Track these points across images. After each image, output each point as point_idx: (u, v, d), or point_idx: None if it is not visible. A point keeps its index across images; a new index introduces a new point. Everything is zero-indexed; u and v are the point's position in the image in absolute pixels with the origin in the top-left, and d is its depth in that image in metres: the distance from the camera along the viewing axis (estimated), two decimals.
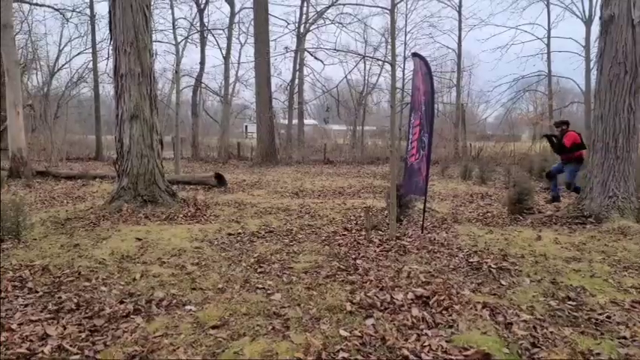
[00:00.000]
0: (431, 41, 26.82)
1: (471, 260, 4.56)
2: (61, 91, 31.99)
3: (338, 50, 23.22)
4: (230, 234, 5.86)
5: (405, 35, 16.68)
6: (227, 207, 7.80)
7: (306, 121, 30.70)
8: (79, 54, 28.54)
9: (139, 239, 5.35)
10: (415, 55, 5.15)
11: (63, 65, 33.32)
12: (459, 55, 24.06)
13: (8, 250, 4.97)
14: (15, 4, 25.42)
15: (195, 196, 8.17)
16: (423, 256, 4.78)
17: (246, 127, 49.44)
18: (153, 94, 7.23)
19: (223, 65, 22.09)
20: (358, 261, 4.61)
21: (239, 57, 30.19)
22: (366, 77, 29.57)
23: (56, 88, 31.53)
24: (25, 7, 27.37)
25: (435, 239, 5.48)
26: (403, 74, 16.63)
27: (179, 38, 12.10)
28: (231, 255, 4.89)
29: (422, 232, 5.64)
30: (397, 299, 3.45)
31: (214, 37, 21.80)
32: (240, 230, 6.07)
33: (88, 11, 25.31)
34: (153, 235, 5.57)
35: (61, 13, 27.98)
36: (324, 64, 29.02)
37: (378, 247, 5.15)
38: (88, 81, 27.86)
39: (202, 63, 22.32)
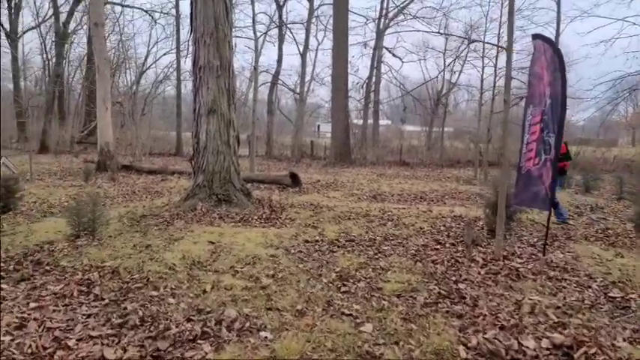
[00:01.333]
0: (523, 35, 24.62)
1: (612, 295, 3.59)
2: (148, 90, 33.93)
3: (444, 34, 21.62)
4: (307, 241, 5.30)
5: (499, 28, 15.25)
6: (303, 209, 7.28)
7: (379, 121, 29.81)
8: (165, 54, 29.99)
9: (212, 242, 4.96)
10: (537, 36, 4.23)
11: (150, 65, 35.23)
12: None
13: (82, 247, 4.79)
14: (108, 6, 27.21)
15: (270, 197, 7.76)
16: (544, 284, 3.88)
17: (318, 126, 49.43)
18: (231, 88, 6.89)
19: (300, 63, 21.80)
20: (461, 285, 3.82)
21: (315, 55, 30.03)
22: (445, 76, 28.02)
23: (143, 87, 33.43)
24: (117, 8, 29.19)
25: (552, 262, 4.52)
26: (495, 70, 15.24)
27: (258, 34, 11.87)
28: (310, 267, 4.31)
29: (544, 255, 4.69)
30: (528, 347, 2.65)
31: (292, 33, 21.60)
32: (317, 237, 5.50)
33: (174, 12, 26.32)
34: (226, 239, 5.16)
35: (149, 15, 29.51)
36: (403, 62, 27.98)
37: (481, 267, 4.31)
38: (172, 79, 29.06)
39: (279, 60, 22.27)
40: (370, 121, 26.78)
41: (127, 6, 30.66)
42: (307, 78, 26.96)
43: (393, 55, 27.32)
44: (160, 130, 30.18)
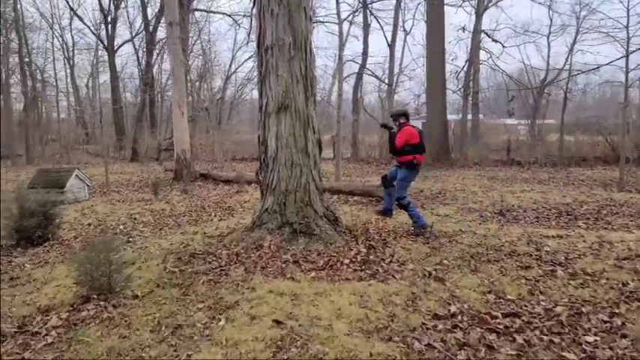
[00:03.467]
0: None
1: None
2: (233, 95, 33.79)
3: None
4: (437, 315, 3.15)
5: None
6: (412, 242, 5.11)
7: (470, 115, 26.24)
8: (249, 58, 29.30)
9: (279, 322, 3.00)
10: None
11: (235, 69, 35.15)
12: None
13: (80, 324, 3.09)
14: (191, 14, 27.10)
15: (365, 225, 5.65)
16: None
17: None
18: (309, 75, 4.94)
19: (387, 55, 19.52)
20: None
21: (403, 46, 27.54)
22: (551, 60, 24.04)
23: (230, 92, 33.35)
24: (199, 13, 29.07)
25: None
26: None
27: (342, 16, 9.91)
28: None
29: None
30: None
31: (378, 21, 19.38)
32: (450, 305, 3.32)
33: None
34: (302, 310, 3.19)
35: (232, 19, 29.08)
36: (504, 46, 24.49)
37: None
38: (255, 82, 28.32)
39: (365, 53, 20.17)
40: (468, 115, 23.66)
41: (210, 11, 30.62)
42: (395, 71, 24.58)
43: (493, 39, 23.96)
44: (246, 135, 29.61)
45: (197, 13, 29.00)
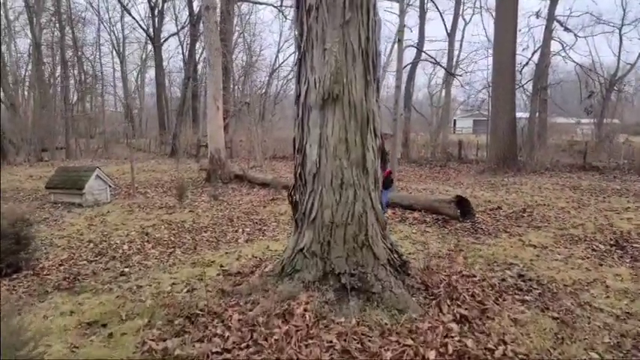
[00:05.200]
0: None
1: None
2: (277, 89, 32.55)
3: None
4: None
5: None
6: (522, 304, 3.34)
7: (521, 114, 23.28)
8: (295, 52, 27.90)
9: None
10: None
11: (281, 64, 33.90)
12: None
13: None
14: (235, 5, 25.98)
15: (445, 271, 3.87)
16: None
17: (454, 121, 43.82)
18: (372, 50, 3.28)
19: (446, 43, 17.42)
20: None
21: (462, 36, 25.22)
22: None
23: (276, 87, 32.20)
24: (244, 7, 27.94)
25: None
26: None
27: None
28: None
29: None
30: None
31: (437, 6, 17.29)
32: None
33: None
34: None
35: (279, 10, 27.73)
36: (577, 37, 21.87)
37: None
38: None
39: (421, 41, 18.14)
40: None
41: (256, 2, 29.39)
42: (452, 64, 22.40)
43: (565, 28, 21.30)
44: (289, 131, 28.23)
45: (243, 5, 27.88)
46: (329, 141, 3.22)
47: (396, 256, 3.40)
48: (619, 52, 22.86)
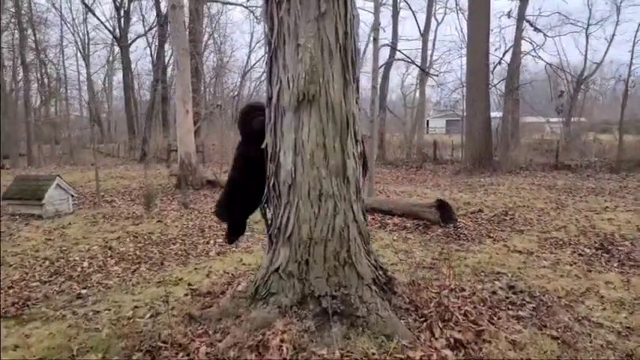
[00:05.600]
0: None
1: None
2: (250, 91, 32.03)
3: None
4: None
5: None
6: (519, 322, 3.09)
7: (494, 114, 23.55)
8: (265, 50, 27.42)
9: None
10: None
11: (253, 65, 33.36)
12: None
13: None
14: (205, 6, 25.39)
15: (438, 287, 3.55)
16: None
17: (427, 121, 44.20)
18: (350, 45, 2.97)
19: (420, 42, 17.33)
20: None
21: (435, 36, 25.32)
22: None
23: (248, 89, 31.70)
24: (214, 8, 27.36)
25: None
26: None
27: None
28: None
29: None
30: None
31: (410, 6, 17.20)
32: None
33: None
34: None
35: (250, 11, 27.23)
36: (547, 36, 22.25)
37: None
38: None
39: (395, 40, 18.02)
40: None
41: (226, 2, 28.80)
42: (426, 64, 22.43)
43: (535, 28, 21.62)
44: None
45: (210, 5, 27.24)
46: (305, 147, 2.89)
47: (381, 273, 3.09)
48: (586, 52, 23.42)
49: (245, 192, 3.27)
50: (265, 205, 3.17)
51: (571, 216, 7.27)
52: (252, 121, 3.20)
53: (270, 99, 3.06)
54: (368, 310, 2.78)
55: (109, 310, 3.57)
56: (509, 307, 3.38)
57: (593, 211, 7.66)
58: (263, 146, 3.09)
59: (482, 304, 3.29)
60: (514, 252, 5.23)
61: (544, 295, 3.74)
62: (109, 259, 5.32)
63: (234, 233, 3.63)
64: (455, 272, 4.37)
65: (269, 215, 3.17)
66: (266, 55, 3.12)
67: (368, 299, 2.84)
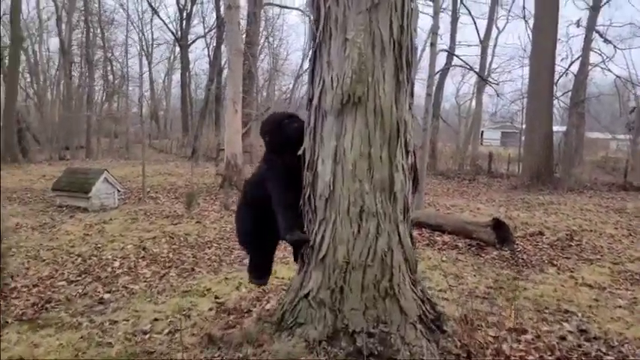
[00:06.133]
0: None
1: None
2: (302, 95, 32.04)
3: None
4: None
5: None
6: None
7: (557, 128, 21.78)
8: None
9: None
10: None
11: (307, 69, 33.38)
12: None
13: None
14: (262, 10, 25.60)
15: (495, 327, 3.01)
16: None
17: (482, 132, 42.49)
18: (405, 42, 2.56)
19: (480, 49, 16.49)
20: None
21: (495, 44, 24.20)
22: None
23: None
24: (271, 11, 27.53)
25: None
26: None
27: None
28: None
29: None
30: None
31: (470, 12, 16.41)
32: None
33: None
34: None
35: (306, 15, 27.21)
36: (617, 48, 20.66)
37: None
38: None
39: (453, 46, 17.26)
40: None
41: (284, 6, 28.97)
42: (484, 72, 21.40)
43: (605, 39, 20.11)
44: None
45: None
46: (347, 156, 2.50)
47: (428, 307, 2.63)
48: None
49: (295, 201, 2.82)
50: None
51: None
52: (288, 128, 2.83)
53: (310, 100, 2.70)
54: (411, 354, 2.34)
55: (127, 320, 3.33)
56: (583, 358, 2.82)
57: None
58: (300, 152, 2.72)
59: (549, 354, 2.75)
60: (583, 285, 4.56)
61: (623, 346, 3.13)
62: (140, 260, 5.17)
63: (261, 269, 3.19)
64: (513, 305, 3.82)
65: (304, 229, 2.79)
66: (310, 51, 2.76)
67: (412, 340, 2.40)
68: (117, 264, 4.97)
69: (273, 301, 3.70)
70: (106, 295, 3.96)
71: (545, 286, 4.45)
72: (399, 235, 2.56)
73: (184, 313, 3.47)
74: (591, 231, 7.38)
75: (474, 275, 4.74)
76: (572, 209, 10.00)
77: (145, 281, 4.43)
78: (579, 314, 3.72)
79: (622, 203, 11.47)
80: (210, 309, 3.58)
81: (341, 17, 2.50)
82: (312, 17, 2.71)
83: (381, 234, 2.50)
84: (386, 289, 2.46)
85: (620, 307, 4.01)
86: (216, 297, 3.88)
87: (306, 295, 2.55)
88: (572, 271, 5.04)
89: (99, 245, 5.71)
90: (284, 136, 2.81)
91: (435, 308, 2.74)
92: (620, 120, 23.19)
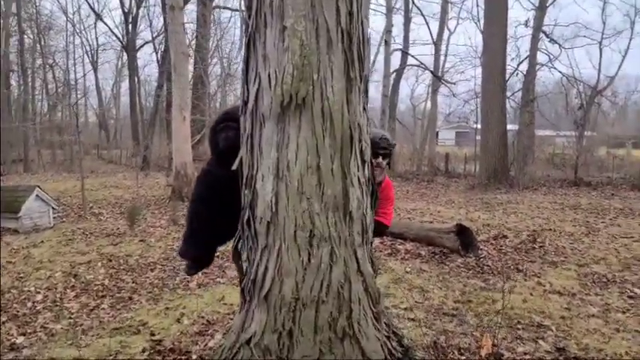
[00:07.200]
0: None
1: None
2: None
3: None
4: None
5: None
6: None
7: (509, 127, 22.30)
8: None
9: None
10: None
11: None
12: None
13: None
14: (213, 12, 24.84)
15: (467, 355, 2.73)
16: None
17: (437, 133, 43.36)
18: (356, 32, 2.17)
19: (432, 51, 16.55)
20: None
21: (447, 46, 24.58)
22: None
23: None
24: (224, 14, 26.83)
25: None
26: None
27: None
28: None
29: None
30: None
31: (422, 13, 16.43)
32: None
33: None
34: None
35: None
36: (562, 48, 21.55)
37: None
38: None
39: (407, 47, 17.22)
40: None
41: (235, 10, 28.26)
42: (438, 73, 21.59)
43: (551, 39, 20.91)
44: None
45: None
46: (291, 170, 2.06)
47: (394, 345, 2.23)
48: (599, 65, 22.57)
49: (210, 218, 2.41)
50: (238, 246, 2.33)
51: (607, 244, 6.37)
52: (218, 136, 2.37)
53: (245, 103, 2.24)
54: None
55: None
56: None
57: (630, 238, 6.77)
58: (234, 167, 2.26)
59: None
60: (552, 293, 4.34)
61: None
62: (69, 290, 4.52)
63: (198, 266, 2.79)
64: (484, 322, 3.51)
65: (243, 258, 2.33)
66: (243, 43, 2.31)
67: None
68: (39, 297, 4.30)
69: (218, 335, 3.22)
70: (20, 339, 3.33)
71: (514, 296, 4.18)
72: (357, 261, 2.15)
73: (111, 358, 2.91)
74: (551, 230, 7.31)
75: (440, 288, 4.42)
76: (529, 208, 10.03)
77: (69, 318, 3.80)
78: (553, 328, 3.46)
79: (575, 199, 11.69)
80: (144, 350, 3.04)
81: (277, 1, 2.06)
82: (244, 4, 2.26)
83: (336, 262, 2.08)
84: (344, 329, 2.04)
85: (593, 315, 3.79)
86: (152, 334, 3.34)
87: (248, 341, 2.09)
88: (538, 277, 4.83)
89: (22, 275, 4.99)
90: (215, 146, 2.36)
91: (402, 342, 2.35)
92: (565, 117, 24.09)
